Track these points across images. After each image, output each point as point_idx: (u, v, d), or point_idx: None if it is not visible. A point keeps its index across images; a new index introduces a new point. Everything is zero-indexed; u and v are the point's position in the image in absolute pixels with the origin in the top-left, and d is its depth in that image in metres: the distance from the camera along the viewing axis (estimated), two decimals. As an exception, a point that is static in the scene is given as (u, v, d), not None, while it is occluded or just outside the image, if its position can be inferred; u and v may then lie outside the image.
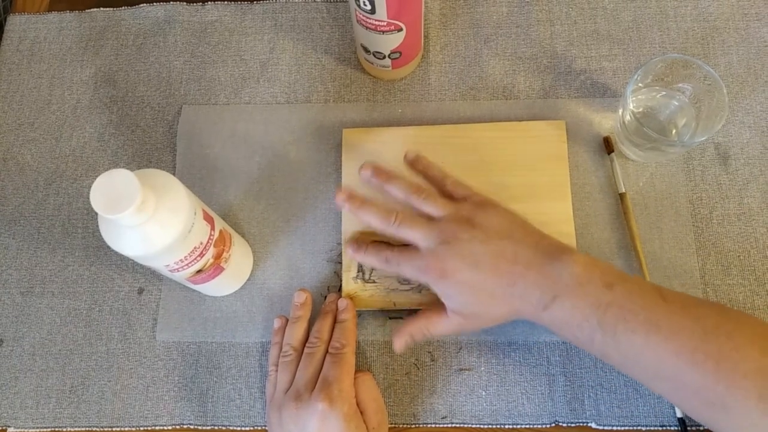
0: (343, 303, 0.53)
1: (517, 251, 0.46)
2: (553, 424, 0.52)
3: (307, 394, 0.47)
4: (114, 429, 0.54)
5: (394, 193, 0.51)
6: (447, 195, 0.51)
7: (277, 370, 0.51)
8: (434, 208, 0.49)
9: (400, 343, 0.49)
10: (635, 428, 0.51)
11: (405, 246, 0.49)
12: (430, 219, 0.49)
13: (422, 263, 0.47)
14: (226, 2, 0.65)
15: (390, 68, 0.59)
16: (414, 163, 0.54)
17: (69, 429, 0.54)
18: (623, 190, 0.56)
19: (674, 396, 0.44)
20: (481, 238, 0.46)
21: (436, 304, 0.49)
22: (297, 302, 0.53)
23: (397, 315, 0.55)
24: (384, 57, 0.57)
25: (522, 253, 0.45)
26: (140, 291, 0.57)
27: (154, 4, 0.65)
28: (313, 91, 0.62)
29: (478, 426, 0.52)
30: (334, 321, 0.52)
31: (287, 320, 0.53)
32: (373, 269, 0.54)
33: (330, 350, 0.50)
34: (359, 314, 0.54)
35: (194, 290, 0.55)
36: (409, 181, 0.51)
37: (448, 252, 0.46)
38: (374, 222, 0.49)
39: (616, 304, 0.42)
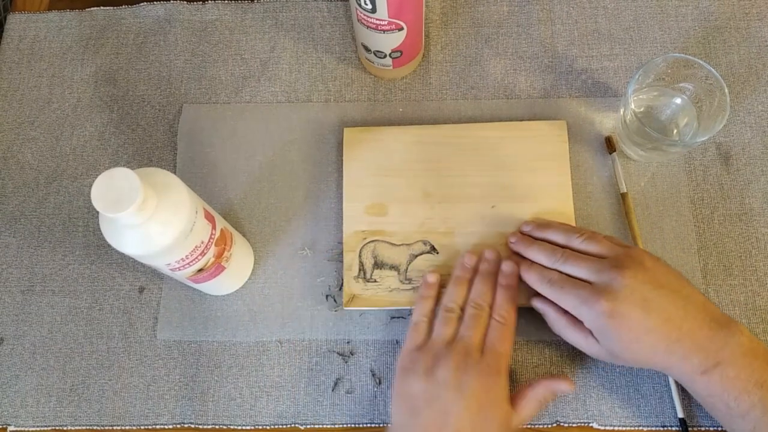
0: (508, 266, 0.52)
1: (687, 308, 0.45)
2: (555, 424, 0.52)
3: (477, 353, 0.47)
4: (115, 428, 0.54)
5: (553, 238, 0.51)
6: None
7: (429, 321, 0.51)
8: (601, 247, 0.48)
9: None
10: (637, 428, 0.51)
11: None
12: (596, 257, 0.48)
13: (589, 295, 0.45)
14: (226, 1, 0.65)
15: (391, 67, 0.59)
16: (534, 231, 0.53)
17: (69, 427, 0.54)
18: (625, 190, 0.56)
19: None
20: (654, 284, 0.45)
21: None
22: (430, 281, 0.53)
23: (399, 314, 0.55)
24: (385, 56, 0.57)
25: (692, 311, 0.45)
26: (141, 290, 0.57)
27: (155, 2, 0.65)
28: (314, 90, 0.62)
29: (478, 425, 0.52)
30: (495, 283, 0.52)
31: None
32: (374, 269, 0.54)
33: (497, 318, 0.50)
34: (360, 314, 0.54)
35: (195, 289, 0.55)
36: (566, 225, 0.52)
37: (622, 291, 0.44)
38: (542, 259, 0.50)
39: None
